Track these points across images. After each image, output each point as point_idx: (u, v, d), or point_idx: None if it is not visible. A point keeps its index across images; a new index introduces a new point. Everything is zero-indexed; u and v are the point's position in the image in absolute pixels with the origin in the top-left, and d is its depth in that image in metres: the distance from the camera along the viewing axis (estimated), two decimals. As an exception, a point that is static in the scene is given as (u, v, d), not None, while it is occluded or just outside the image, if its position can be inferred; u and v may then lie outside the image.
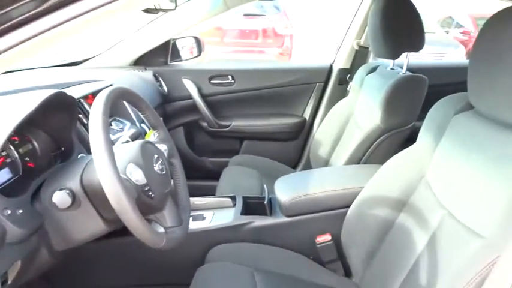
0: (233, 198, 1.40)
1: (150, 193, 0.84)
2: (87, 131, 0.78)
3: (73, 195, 0.82)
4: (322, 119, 2.03)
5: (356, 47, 2.07)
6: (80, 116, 1.21)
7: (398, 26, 1.46)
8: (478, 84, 0.87)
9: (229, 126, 2.17)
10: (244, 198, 1.41)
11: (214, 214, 1.33)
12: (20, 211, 0.79)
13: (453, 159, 0.93)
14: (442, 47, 6.82)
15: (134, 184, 0.81)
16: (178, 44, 2.12)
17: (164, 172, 0.91)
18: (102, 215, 0.86)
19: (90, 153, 0.76)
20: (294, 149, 2.26)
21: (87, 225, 0.86)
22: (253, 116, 2.20)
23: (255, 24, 6.45)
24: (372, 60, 2.18)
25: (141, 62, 1.99)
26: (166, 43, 2.01)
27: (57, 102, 0.96)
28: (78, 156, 1.02)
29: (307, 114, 2.21)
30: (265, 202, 1.33)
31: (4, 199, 0.78)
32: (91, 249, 1.01)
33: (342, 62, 2.14)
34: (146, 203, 0.83)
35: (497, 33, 0.81)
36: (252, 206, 1.37)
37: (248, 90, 2.15)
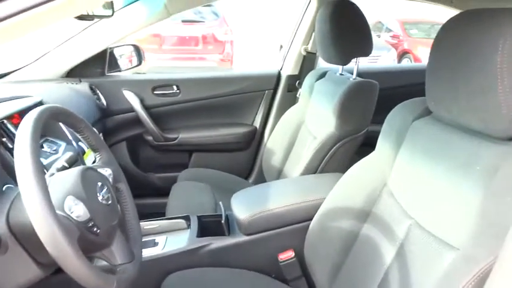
0: (187, 218, 1.30)
1: (95, 229, 0.72)
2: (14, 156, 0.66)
3: None
4: (273, 127, 1.99)
5: (304, 53, 2.05)
6: (4, 139, 1.05)
7: (348, 31, 1.45)
8: (438, 89, 0.85)
9: (176, 138, 2.06)
10: (199, 217, 1.31)
11: (167, 238, 1.23)
12: None
13: (415, 166, 0.91)
14: (376, 51, 7.15)
15: (75, 221, 0.68)
16: (116, 52, 1.97)
17: (110, 202, 0.79)
18: (36, 259, 0.72)
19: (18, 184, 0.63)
20: (246, 159, 2.20)
21: (18, 273, 0.72)
22: (201, 127, 2.11)
23: (194, 30, 6.37)
24: (317, 66, 2.18)
25: (74, 73, 1.82)
26: (103, 52, 1.85)
27: None
28: (3, 188, 0.86)
29: (257, 123, 2.16)
30: (222, 221, 1.25)
31: None
32: None
33: (290, 68, 2.11)
34: (90, 240, 0.71)
35: (455, 37, 0.80)
36: (208, 226, 1.27)
37: (195, 100, 2.05)
